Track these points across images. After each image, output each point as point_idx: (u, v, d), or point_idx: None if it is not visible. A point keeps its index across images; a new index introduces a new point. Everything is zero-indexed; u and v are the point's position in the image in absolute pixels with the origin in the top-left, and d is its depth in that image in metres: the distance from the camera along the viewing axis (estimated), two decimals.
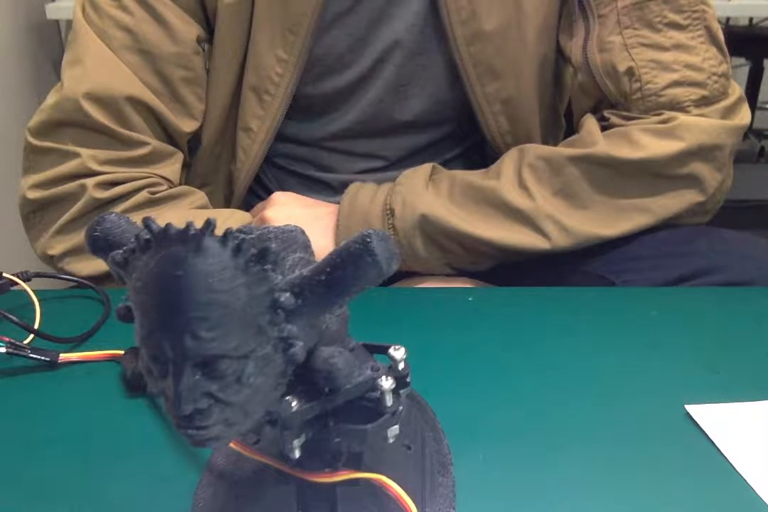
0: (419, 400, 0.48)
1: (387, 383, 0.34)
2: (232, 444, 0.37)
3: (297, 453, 0.33)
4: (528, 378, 0.52)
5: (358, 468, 0.35)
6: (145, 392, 0.50)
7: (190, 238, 0.28)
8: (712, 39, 0.74)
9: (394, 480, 0.35)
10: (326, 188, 0.86)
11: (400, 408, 0.34)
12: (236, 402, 0.29)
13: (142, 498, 0.42)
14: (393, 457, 0.37)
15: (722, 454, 0.45)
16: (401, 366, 0.35)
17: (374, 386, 0.33)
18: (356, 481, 0.35)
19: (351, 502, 0.36)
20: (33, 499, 0.42)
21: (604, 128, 0.74)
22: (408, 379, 0.35)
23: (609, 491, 0.42)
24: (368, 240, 0.29)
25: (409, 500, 0.35)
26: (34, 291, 0.60)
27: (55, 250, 0.72)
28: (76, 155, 0.72)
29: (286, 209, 0.76)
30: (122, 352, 0.53)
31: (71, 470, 0.44)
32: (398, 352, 0.35)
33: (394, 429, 0.34)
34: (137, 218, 0.68)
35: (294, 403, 0.32)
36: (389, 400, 0.34)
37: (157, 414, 0.49)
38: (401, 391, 0.35)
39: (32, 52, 1.62)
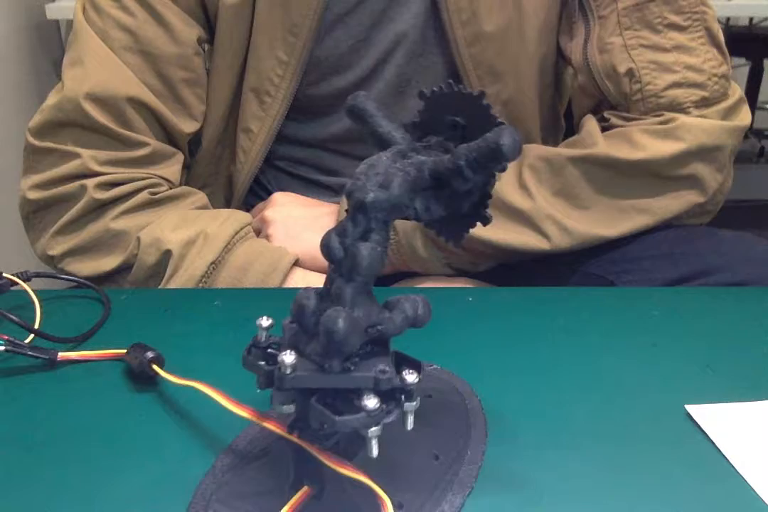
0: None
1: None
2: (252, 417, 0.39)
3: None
4: (528, 378, 0.52)
5: (351, 457, 0.35)
6: (153, 382, 0.51)
7: None
8: (713, 40, 0.74)
9: (396, 483, 0.35)
10: (327, 191, 0.86)
11: (387, 415, 0.34)
12: None
13: (141, 498, 0.42)
14: (411, 461, 0.36)
15: (722, 454, 0.45)
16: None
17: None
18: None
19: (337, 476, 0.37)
20: (32, 499, 0.42)
21: (604, 129, 0.74)
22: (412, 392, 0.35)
23: (608, 491, 0.42)
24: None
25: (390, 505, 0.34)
26: (34, 291, 0.60)
27: (55, 250, 0.72)
28: (77, 156, 0.72)
29: (286, 209, 0.76)
30: (122, 352, 0.53)
31: (70, 469, 0.44)
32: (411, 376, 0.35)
33: (374, 431, 0.34)
34: (138, 219, 0.69)
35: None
36: (373, 403, 0.34)
37: (157, 414, 0.49)
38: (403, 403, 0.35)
39: (32, 52, 1.62)
